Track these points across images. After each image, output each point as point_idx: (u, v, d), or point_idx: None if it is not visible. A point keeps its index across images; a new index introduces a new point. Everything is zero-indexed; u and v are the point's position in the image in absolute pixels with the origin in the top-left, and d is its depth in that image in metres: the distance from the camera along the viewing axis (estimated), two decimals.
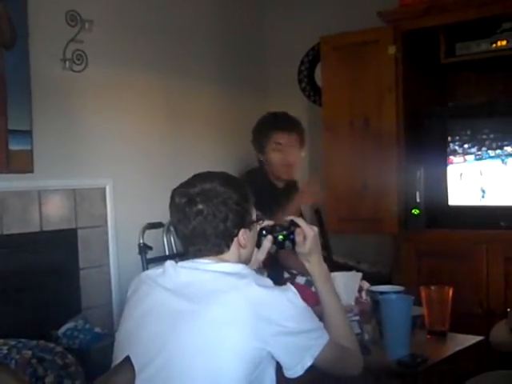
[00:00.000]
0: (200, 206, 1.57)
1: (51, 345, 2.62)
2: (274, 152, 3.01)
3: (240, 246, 1.63)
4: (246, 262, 1.66)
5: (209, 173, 1.66)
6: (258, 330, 1.47)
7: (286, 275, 2.75)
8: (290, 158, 3.02)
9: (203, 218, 1.57)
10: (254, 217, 1.69)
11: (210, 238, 1.59)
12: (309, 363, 1.53)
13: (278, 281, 2.60)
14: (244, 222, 1.63)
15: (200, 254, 1.61)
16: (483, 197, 3.27)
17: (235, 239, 1.62)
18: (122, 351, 1.53)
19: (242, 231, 1.62)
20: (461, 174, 3.32)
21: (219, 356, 1.46)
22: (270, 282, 1.57)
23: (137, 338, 1.54)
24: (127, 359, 1.24)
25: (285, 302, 1.52)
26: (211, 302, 1.50)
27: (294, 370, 1.53)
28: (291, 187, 3.09)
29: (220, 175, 1.65)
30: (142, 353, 1.50)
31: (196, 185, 1.60)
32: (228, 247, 1.62)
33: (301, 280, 2.67)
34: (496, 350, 2.42)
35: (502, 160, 3.21)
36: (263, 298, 1.50)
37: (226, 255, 1.62)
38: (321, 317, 1.67)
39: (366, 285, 2.64)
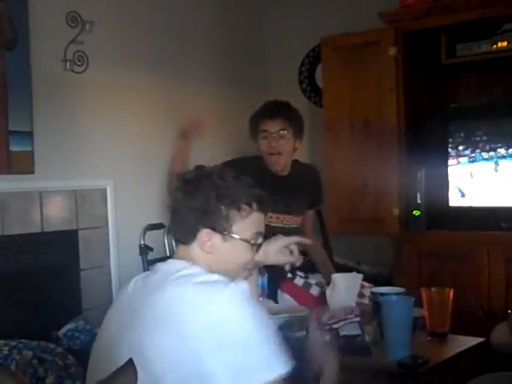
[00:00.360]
0: (185, 188, 1.54)
1: (52, 345, 2.62)
2: (261, 140, 2.89)
3: (203, 249, 1.52)
4: (224, 274, 1.49)
5: (222, 164, 1.63)
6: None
7: (289, 275, 2.72)
8: (276, 146, 2.84)
9: (181, 199, 1.54)
10: (237, 230, 1.52)
11: (177, 223, 1.55)
12: None
13: (278, 281, 2.61)
14: (211, 223, 1.50)
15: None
16: (485, 198, 3.28)
17: (198, 236, 1.51)
18: None
19: (205, 231, 1.51)
20: (462, 175, 3.32)
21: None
22: None
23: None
24: (130, 362, 1.23)
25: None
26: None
27: None
28: (301, 176, 2.94)
29: (226, 170, 1.59)
30: None
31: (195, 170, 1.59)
32: (191, 241, 1.53)
33: (299, 281, 2.66)
34: (497, 351, 2.43)
35: (496, 162, 3.21)
36: None
37: (194, 254, 1.53)
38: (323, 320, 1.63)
39: (367, 291, 2.60)
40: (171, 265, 1.53)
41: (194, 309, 1.37)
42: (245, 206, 1.52)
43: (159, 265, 1.57)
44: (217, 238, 1.51)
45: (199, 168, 1.61)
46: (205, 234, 1.51)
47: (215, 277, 1.45)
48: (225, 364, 1.32)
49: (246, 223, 1.53)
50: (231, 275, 1.52)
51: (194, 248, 1.53)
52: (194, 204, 1.51)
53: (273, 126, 2.87)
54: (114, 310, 1.61)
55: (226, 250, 1.53)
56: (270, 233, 1.80)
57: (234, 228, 1.52)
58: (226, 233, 1.51)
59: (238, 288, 1.40)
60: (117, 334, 1.50)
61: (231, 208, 1.51)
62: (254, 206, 1.54)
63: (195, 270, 1.48)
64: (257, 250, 1.60)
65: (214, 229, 1.51)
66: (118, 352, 1.42)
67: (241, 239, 1.53)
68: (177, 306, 1.39)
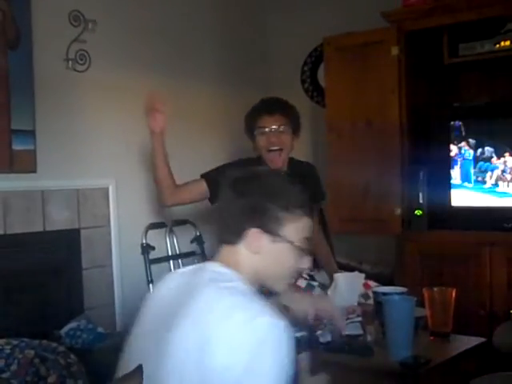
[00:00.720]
0: (235, 188, 1.51)
1: (54, 344, 2.62)
2: (258, 136, 2.86)
3: (251, 249, 1.48)
4: (269, 277, 1.51)
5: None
6: None
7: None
8: (276, 141, 2.83)
9: (230, 198, 1.51)
10: (286, 233, 1.49)
11: (223, 223, 1.52)
12: None
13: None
14: (261, 223, 1.47)
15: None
16: (487, 198, 3.27)
17: (244, 236, 1.48)
18: None
19: (254, 231, 1.47)
20: (464, 175, 3.32)
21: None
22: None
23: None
24: (139, 368, 1.23)
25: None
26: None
27: None
28: (298, 174, 2.82)
29: (278, 172, 1.61)
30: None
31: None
32: (237, 240, 1.49)
33: (302, 283, 2.65)
34: (499, 351, 2.43)
35: (506, 161, 3.21)
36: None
37: (238, 254, 1.50)
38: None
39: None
40: (217, 272, 1.49)
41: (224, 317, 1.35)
42: (296, 210, 1.50)
43: (208, 267, 1.53)
44: (265, 238, 1.48)
45: (249, 169, 1.59)
46: (253, 233, 1.47)
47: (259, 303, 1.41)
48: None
49: (296, 227, 1.50)
50: (275, 279, 1.52)
51: (241, 248, 1.49)
52: (244, 203, 1.48)
53: (272, 122, 2.86)
54: (152, 304, 1.56)
55: (273, 252, 1.49)
56: None
57: (284, 230, 1.49)
58: (275, 234, 1.48)
59: (282, 324, 1.35)
60: (153, 328, 1.47)
61: (283, 210, 1.48)
62: (305, 210, 1.52)
63: (240, 285, 1.45)
64: (304, 255, 1.55)
65: (263, 229, 1.47)
66: (149, 343, 1.44)
67: (290, 242, 1.49)
68: (212, 309, 1.37)
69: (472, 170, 3.30)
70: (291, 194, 1.51)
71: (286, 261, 1.51)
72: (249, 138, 2.96)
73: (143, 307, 1.57)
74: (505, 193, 3.23)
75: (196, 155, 3.72)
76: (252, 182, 1.51)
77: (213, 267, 1.51)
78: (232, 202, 1.50)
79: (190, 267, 1.60)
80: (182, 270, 1.65)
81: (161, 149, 2.80)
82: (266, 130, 2.86)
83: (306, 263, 1.56)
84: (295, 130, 2.93)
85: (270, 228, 1.47)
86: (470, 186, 3.31)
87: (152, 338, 1.45)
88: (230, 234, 1.50)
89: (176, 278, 1.57)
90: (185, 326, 1.39)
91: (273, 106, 2.90)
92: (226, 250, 1.53)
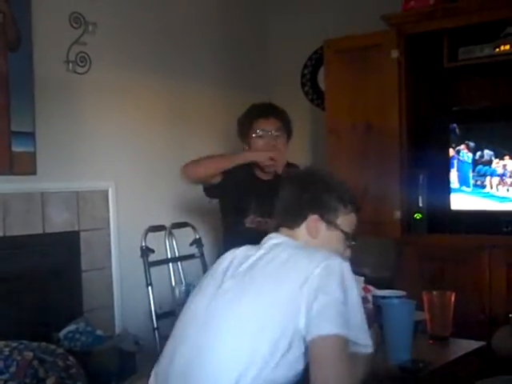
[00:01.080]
0: (299, 181, 1.78)
1: (52, 346, 2.62)
2: (255, 139, 2.88)
3: (310, 232, 1.70)
4: None
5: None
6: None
7: None
8: (274, 144, 2.86)
9: (294, 189, 1.75)
10: (340, 223, 1.72)
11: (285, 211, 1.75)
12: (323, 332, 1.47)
13: None
14: (321, 211, 1.71)
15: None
16: (486, 202, 3.27)
17: (307, 221, 1.70)
18: None
19: (314, 217, 1.70)
20: (462, 178, 3.32)
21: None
22: None
23: None
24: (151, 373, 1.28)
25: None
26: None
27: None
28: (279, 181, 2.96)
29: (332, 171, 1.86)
30: None
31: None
32: (297, 225, 1.71)
33: None
34: (498, 355, 2.42)
35: (505, 165, 3.21)
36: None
37: (296, 236, 1.71)
38: None
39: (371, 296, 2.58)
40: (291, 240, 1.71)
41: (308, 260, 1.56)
42: (348, 204, 1.75)
43: (273, 237, 1.72)
44: (323, 225, 1.72)
45: (308, 168, 1.90)
46: (314, 219, 1.71)
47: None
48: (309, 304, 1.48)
49: (347, 219, 1.75)
50: None
51: (301, 230, 1.72)
52: (307, 195, 1.72)
53: (269, 125, 2.88)
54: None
55: (327, 238, 1.73)
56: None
57: (339, 220, 1.73)
58: (331, 222, 1.72)
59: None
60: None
61: (339, 203, 1.73)
62: (354, 206, 1.77)
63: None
64: (348, 246, 1.78)
65: (322, 217, 1.71)
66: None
67: (342, 231, 1.73)
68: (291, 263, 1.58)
69: (471, 174, 3.30)
70: (345, 190, 1.77)
71: (336, 247, 1.73)
72: (242, 142, 2.97)
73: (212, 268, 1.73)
74: (504, 197, 3.23)
75: (196, 156, 3.71)
76: (313, 177, 1.78)
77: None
78: (295, 194, 1.74)
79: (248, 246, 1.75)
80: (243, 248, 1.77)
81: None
82: (264, 133, 2.88)
83: (348, 253, 1.79)
84: (289, 134, 2.96)
85: (327, 217, 1.72)
86: (469, 189, 3.31)
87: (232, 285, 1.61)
88: (292, 219, 1.73)
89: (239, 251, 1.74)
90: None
91: (267, 110, 2.93)
92: (285, 232, 1.74)
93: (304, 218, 1.72)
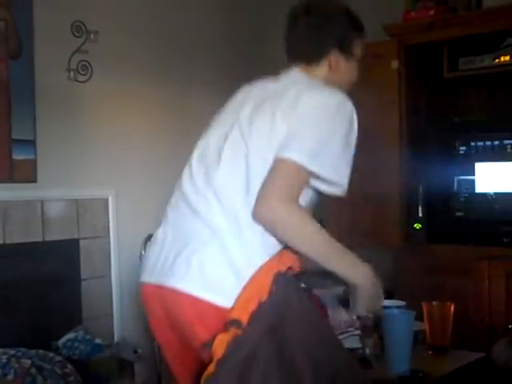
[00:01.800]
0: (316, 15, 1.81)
1: (51, 354, 2.61)
2: None
3: (330, 67, 1.80)
4: (338, 87, 1.76)
5: None
6: None
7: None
8: None
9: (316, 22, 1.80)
10: (355, 52, 1.83)
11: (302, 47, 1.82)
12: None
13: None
14: (342, 44, 1.80)
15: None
16: (487, 212, 3.27)
17: (328, 55, 1.79)
18: None
19: (335, 52, 1.79)
20: (464, 189, 3.33)
21: None
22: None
23: None
24: None
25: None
26: None
27: None
28: None
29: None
30: None
31: None
32: (317, 59, 1.80)
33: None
34: (497, 366, 2.42)
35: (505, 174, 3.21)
36: None
37: (314, 70, 1.81)
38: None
39: None
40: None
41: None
42: (360, 32, 1.85)
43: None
44: (342, 58, 1.82)
45: None
46: (335, 54, 1.81)
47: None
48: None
49: (359, 46, 1.85)
50: (339, 87, 1.78)
51: (321, 65, 1.82)
52: (330, 29, 1.79)
53: None
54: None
55: (346, 68, 1.85)
56: None
57: (354, 49, 1.84)
58: (349, 53, 1.83)
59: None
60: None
61: (355, 32, 1.83)
62: (363, 32, 1.86)
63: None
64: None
65: (342, 50, 1.81)
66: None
67: (357, 60, 1.86)
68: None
69: (471, 184, 3.30)
70: (355, 18, 1.84)
71: (353, 75, 1.89)
72: None
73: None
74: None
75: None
76: (332, 11, 1.82)
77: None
78: (312, 29, 1.80)
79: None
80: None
81: None
82: None
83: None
84: None
85: (347, 49, 1.82)
86: (470, 199, 3.31)
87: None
88: (313, 54, 1.81)
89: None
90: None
91: None
92: (303, 66, 1.82)
93: (325, 52, 1.80)
